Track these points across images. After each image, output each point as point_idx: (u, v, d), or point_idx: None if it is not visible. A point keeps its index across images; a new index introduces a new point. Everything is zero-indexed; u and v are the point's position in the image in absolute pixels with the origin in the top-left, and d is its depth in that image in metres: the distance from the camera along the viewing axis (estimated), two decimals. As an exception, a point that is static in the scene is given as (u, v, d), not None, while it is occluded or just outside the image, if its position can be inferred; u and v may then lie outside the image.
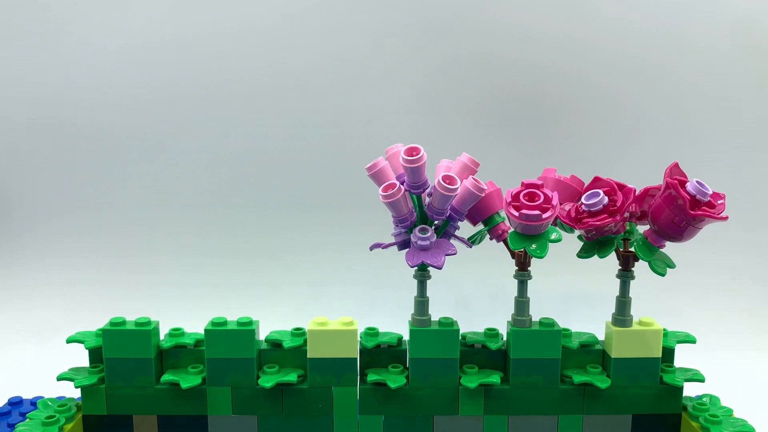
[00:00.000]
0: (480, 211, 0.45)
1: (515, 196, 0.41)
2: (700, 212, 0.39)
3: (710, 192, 0.40)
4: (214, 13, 0.79)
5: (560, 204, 0.43)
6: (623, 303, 0.46)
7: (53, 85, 0.80)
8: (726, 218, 0.40)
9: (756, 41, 0.79)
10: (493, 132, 0.80)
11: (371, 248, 0.44)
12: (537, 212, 0.39)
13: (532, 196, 0.41)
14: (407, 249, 0.42)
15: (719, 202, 0.40)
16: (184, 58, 0.79)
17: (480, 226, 0.46)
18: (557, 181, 0.44)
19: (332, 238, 0.79)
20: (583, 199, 0.41)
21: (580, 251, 0.44)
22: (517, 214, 0.40)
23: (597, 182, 0.43)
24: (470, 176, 0.41)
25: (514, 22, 0.79)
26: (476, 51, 0.79)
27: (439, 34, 0.79)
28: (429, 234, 0.41)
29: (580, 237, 0.44)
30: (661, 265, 0.43)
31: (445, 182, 0.40)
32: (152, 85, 0.79)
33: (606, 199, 0.41)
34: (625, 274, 0.45)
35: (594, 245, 0.43)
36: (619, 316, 0.46)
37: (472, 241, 0.46)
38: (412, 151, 0.40)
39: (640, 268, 0.45)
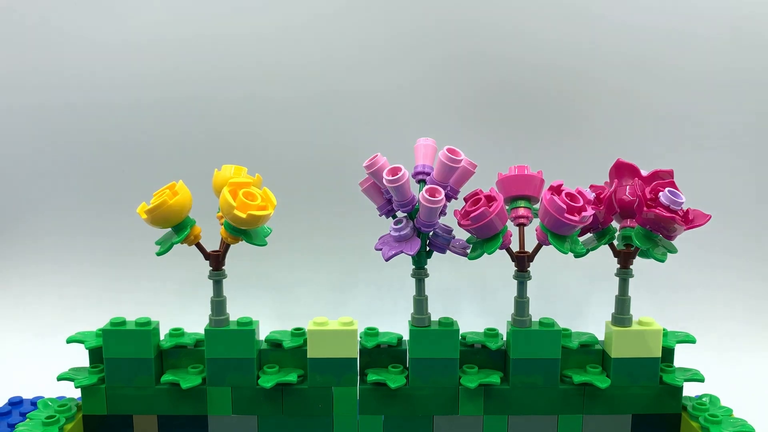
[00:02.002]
0: (509, 188, 0.45)
1: (468, 197, 0.43)
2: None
3: (683, 200, 0.41)
4: (215, 14, 0.79)
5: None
6: (623, 301, 0.46)
7: (53, 85, 0.80)
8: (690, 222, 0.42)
9: (756, 40, 0.79)
10: (491, 129, 0.80)
11: (376, 248, 0.44)
12: (457, 217, 0.42)
13: (474, 202, 0.42)
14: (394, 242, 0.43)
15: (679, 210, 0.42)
16: (186, 58, 0.79)
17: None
18: (542, 202, 0.43)
19: (332, 239, 0.79)
20: (670, 196, 0.41)
21: (660, 256, 0.43)
22: (469, 221, 0.41)
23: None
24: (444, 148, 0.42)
25: (513, 17, 0.79)
26: (475, 48, 0.79)
27: (437, 31, 0.79)
28: (402, 225, 0.42)
29: (601, 233, 0.45)
30: (661, 252, 0.43)
31: (427, 194, 0.40)
32: (154, 83, 0.79)
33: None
34: (624, 272, 0.45)
35: (651, 238, 0.43)
36: (619, 314, 0.46)
37: None
38: (394, 171, 0.40)
39: (640, 267, 0.45)
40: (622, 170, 0.46)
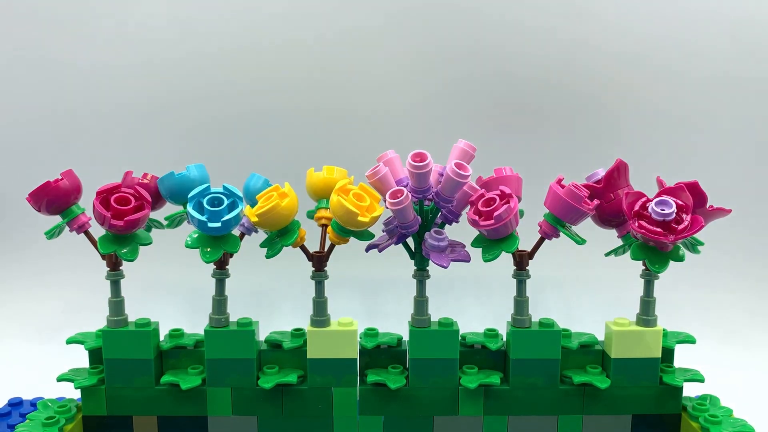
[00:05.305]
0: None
1: (478, 198, 0.41)
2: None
3: (671, 210, 0.40)
4: (217, 13, 0.79)
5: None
6: (647, 303, 0.45)
7: (53, 85, 0.80)
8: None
9: (756, 40, 0.79)
10: (496, 133, 0.80)
11: (367, 249, 0.44)
12: (474, 218, 0.40)
13: (489, 203, 0.41)
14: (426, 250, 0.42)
15: (686, 217, 0.40)
16: (187, 56, 0.79)
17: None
18: (555, 195, 0.42)
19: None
20: (655, 209, 0.40)
21: (656, 267, 0.42)
22: (492, 221, 0.40)
23: (634, 195, 0.42)
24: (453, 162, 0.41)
25: (518, 21, 0.79)
26: (479, 52, 0.79)
27: (443, 35, 0.79)
28: (444, 235, 0.42)
29: (626, 237, 0.44)
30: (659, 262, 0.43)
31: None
32: (153, 85, 0.80)
33: (675, 205, 0.40)
34: (650, 274, 0.45)
35: (648, 248, 0.42)
36: (644, 316, 0.45)
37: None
38: (418, 157, 0.40)
39: (639, 266, 0.45)
40: (621, 173, 0.45)
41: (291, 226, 0.43)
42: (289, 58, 0.79)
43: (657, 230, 0.40)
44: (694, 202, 0.41)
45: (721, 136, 0.81)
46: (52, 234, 0.44)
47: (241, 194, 0.42)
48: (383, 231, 0.44)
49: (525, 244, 0.44)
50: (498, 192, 0.41)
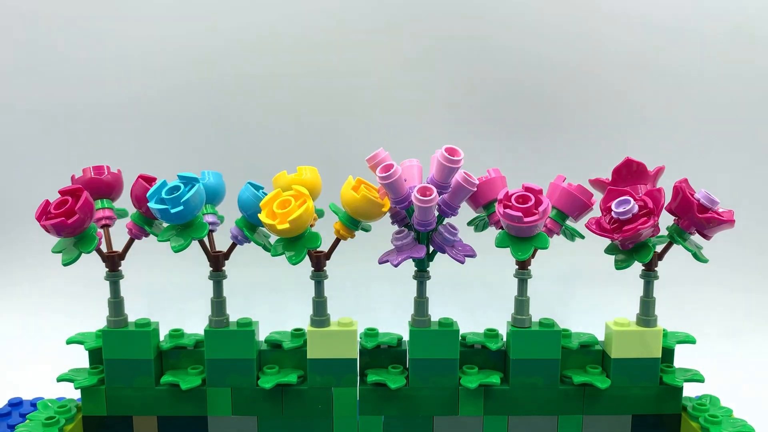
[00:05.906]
0: (481, 196, 0.45)
1: (508, 196, 0.41)
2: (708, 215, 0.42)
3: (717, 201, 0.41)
4: (223, 13, 0.79)
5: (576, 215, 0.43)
6: (647, 303, 0.45)
7: (54, 84, 0.80)
8: (731, 222, 0.42)
9: (755, 38, 0.79)
10: (496, 132, 0.80)
11: (380, 262, 0.44)
12: (519, 214, 0.40)
13: (524, 199, 0.41)
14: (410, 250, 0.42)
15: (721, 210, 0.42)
16: (190, 56, 0.79)
17: (481, 212, 0.46)
18: (564, 190, 0.43)
19: (331, 238, 0.79)
20: (613, 208, 0.40)
21: (618, 263, 0.42)
22: (502, 212, 0.40)
23: (613, 192, 0.42)
24: (462, 170, 0.41)
25: (517, 17, 0.79)
26: (481, 52, 0.79)
27: (442, 33, 0.79)
28: (457, 230, 0.42)
29: (611, 249, 0.44)
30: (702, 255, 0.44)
31: (419, 194, 0.39)
32: (153, 82, 0.80)
33: (636, 205, 0.40)
34: (649, 274, 0.45)
35: (631, 252, 0.42)
36: (644, 316, 0.45)
37: (473, 226, 0.47)
38: (453, 152, 0.40)
39: (639, 267, 0.45)
40: (629, 170, 0.45)
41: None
42: (289, 57, 0.79)
43: (643, 221, 0.40)
44: (683, 207, 0.42)
45: (722, 136, 0.81)
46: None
47: (196, 176, 0.41)
48: (393, 243, 0.43)
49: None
50: (540, 199, 0.41)
